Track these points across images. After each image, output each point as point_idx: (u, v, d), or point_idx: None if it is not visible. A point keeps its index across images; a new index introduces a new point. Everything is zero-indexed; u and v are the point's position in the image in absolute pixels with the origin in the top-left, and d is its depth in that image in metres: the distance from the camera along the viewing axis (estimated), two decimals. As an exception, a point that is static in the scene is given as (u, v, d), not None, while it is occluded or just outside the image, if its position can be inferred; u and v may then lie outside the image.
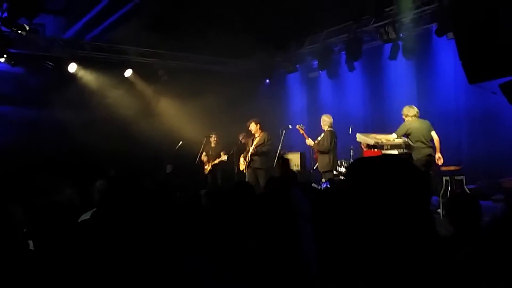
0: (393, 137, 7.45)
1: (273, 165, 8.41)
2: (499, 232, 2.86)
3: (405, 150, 7.40)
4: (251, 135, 9.09)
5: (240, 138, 9.38)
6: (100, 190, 5.03)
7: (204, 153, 10.01)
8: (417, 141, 7.23)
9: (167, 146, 10.34)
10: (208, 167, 10.01)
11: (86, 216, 3.76)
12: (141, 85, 10.89)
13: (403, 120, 7.52)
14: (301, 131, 8.68)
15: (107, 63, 10.35)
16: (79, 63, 10.04)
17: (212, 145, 10.12)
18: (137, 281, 2.24)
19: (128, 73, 10.69)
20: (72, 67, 9.95)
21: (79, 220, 3.73)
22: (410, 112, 7.44)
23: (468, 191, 7.09)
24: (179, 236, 3.12)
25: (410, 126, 7.33)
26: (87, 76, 10.15)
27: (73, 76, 10.00)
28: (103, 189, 5.07)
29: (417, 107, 7.56)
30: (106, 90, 10.13)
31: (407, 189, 1.11)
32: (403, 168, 1.15)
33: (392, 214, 1.09)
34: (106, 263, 2.37)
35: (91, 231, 2.81)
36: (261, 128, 8.93)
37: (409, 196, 1.11)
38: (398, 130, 7.45)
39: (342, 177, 7.74)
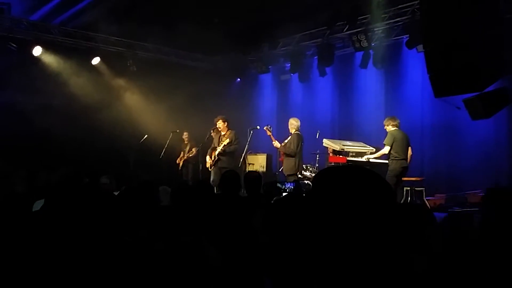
0: (386, 150, 7.37)
1: (239, 165, 8.35)
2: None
3: (371, 158, 7.48)
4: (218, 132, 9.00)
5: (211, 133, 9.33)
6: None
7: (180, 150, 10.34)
8: (397, 151, 7.29)
9: (131, 139, 10.12)
10: (180, 163, 10.32)
11: (39, 204, 3.62)
12: (108, 74, 10.62)
13: (384, 129, 7.56)
14: (268, 133, 8.64)
15: (74, 49, 10.05)
16: (44, 46, 9.69)
17: (185, 141, 10.37)
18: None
19: (96, 61, 10.40)
20: (37, 51, 9.60)
21: (33, 209, 3.59)
22: (391, 122, 7.49)
23: (426, 202, 7.24)
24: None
25: (395, 136, 7.35)
26: (52, 61, 9.82)
27: (37, 59, 9.65)
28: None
29: (384, 116, 7.67)
30: (70, 76, 9.83)
31: (371, 198, 1.12)
32: (369, 178, 1.16)
33: (354, 223, 1.10)
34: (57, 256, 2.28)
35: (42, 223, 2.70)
36: (228, 126, 8.82)
37: (373, 205, 1.12)
38: (387, 140, 7.39)
39: (306, 181, 7.77)
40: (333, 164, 7.91)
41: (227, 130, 8.76)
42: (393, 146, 7.29)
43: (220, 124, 8.79)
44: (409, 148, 7.47)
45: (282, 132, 8.89)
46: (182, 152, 10.46)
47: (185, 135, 10.38)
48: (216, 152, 8.66)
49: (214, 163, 8.70)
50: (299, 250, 1.25)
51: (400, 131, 7.46)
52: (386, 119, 7.63)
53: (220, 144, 8.65)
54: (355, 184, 1.14)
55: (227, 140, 8.55)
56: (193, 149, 10.09)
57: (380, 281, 1.10)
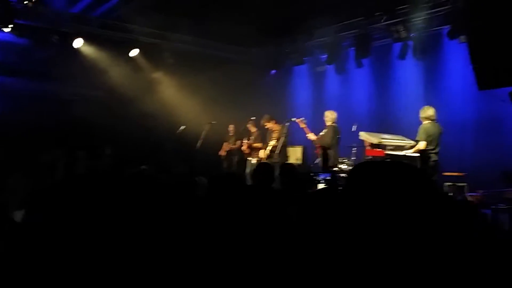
0: (422, 146, 7.11)
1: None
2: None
3: (408, 152, 7.30)
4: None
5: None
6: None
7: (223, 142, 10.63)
8: (432, 146, 7.09)
9: (168, 130, 10.27)
10: (224, 152, 10.58)
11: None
12: (145, 66, 10.78)
13: (420, 121, 7.34)
14: (302, 125, 8.66)
15: (113, 40, 10.23)
16: (85, 38, 9.92)
17: (231, 134, 10.56)
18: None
19: (134, 52, 10.57)
20: (78, 43, 9.84)
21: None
22: (423, 114, 7.23)
23: (469, 198, 7.03)
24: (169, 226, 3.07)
25: (431, 131, 7.08)
26: (92, 53, 10.04)
27: (78, 51, 9.89)
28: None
29: (432, 108, 7.39)
30: (109, 67, 10.03)
31: (411, 192, 1.09)
32: (408, 172, 1.13)
33: (394, 217, 1.06)
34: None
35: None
36: (276, 122, 9.24)
37: (413, 198, 1.08)
38: (420, 135, 7.10)
39: (342, 174, 7.69)
40: (370, 157, 7.78)
41: (277, 126, 9.16)
42: (429, 141, 7.07)
43: (269, 125, 9.26)
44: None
45: (317, 124, 8.82)
46: (226, 143, 10.59)
47: (231, 128, 10.56)
48: (277, 149, 8.90)
49: (267, 157, 8.99)
50: (333, 246, 1.21)
51: (435, 124, 7.15)
52: (421, 110, 7.33)
53: (271, 140, 9.02)
54: (393, 178, 1.11)
55: (279, 134, 8.92)
56: (237, 142, 10.29)
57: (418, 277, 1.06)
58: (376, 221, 1.08)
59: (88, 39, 9.97)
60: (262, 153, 9.24)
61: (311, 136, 8.50)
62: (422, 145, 7.08)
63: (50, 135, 8.66)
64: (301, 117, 8.82)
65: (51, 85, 9.38)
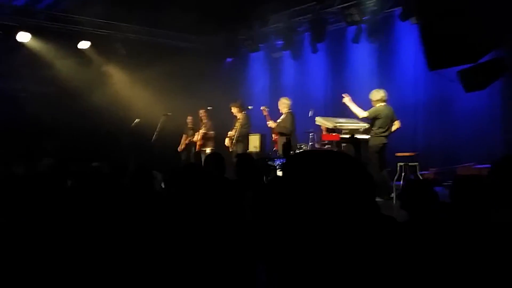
0: (363, 114, 7.33)
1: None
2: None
3: (361, 136, 7.41)
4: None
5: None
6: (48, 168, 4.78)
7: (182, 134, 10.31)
8: (380, 127, 7.22)
9: (122, 123, 10.01)
10: (182, 146, 10.26)
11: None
12: (96, 58, 10.43)
13: (371, 104, 7.46)
14: (265, 113, 8.75)
15: (61, 33, 9.84)
16: (30, 32, 9.49)
17: (189, 125, 10.21)
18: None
19: (83, 45, 10.19)
20: (22, 36, 9.40)
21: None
22: (377, 96, 7.36)
23: (420, 177, 7.20)
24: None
25: (380, 112, 7.24)
26: (38, 46, 9.63)
27: (22, 45, 9.46)
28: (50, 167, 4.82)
29: (382, 90, 7.52)
30: (58, 61, 9.67)
31: (345, 182, 1.08)
32: (342, 162, 1.12)
33: (328, 207, 1.06)
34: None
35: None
36: (240, 109, 9.17)
37: (347, 189, 1.08)
38: (371, 112, 7.30)
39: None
40: (326, 142, 7.84)
41: (240, 113, 9.13)
42: (376, 122, 7.23)
43: (234, 110, 9.20)
44: (397, 121, 7.38)
45: (275, 111, 8.80)
46: (184, 136, 10.28)
47: (189, 119, 10.22)
48: (234, 138, 8.97)
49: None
50: (281, 233, 1.20)
51: (387, 107, 7.33)
52: (371, 93, 7.46)
53: (234, 129, 9.02)
54: (326, 168, 1.09)
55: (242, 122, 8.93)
56: (196, 134, 10.00)
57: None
58: (308, 209, 1.08)
59: (34, 32, 9.56)
60: (227, 141, 9.21)
61: (271, 123, 8.50)
62: (363, 114, 7.32)
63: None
64: (265, 105, 8.90)
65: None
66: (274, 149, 8.68)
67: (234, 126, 9.12)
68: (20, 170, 5.29)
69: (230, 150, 8.98)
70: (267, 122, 8.61)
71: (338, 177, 1.09)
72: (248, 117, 9.16)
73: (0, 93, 9.06)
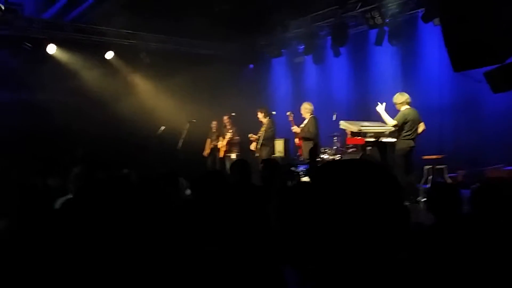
0: (392, 123, 7.22)
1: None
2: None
3: (387, 139, 7.35)
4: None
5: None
6: (76, 177, 4.89)
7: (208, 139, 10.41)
8: (408, 130, 7.15)
9: (148, 131, 10.17)
10: (207, 150, 10.35)
11: (61, 201, 3.65)
12: (122, 67, 10.65)
13: (395, 108, 7.40)
14: (290, 118, 8.79)
15: (87, 44, 10.08)
16: (58, 44, 9.76)
17: (213, 130, 10.34)
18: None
19: (109, 55, 10.44)
20: (51, 49, 9.68)
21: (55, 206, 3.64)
22: (401, 99, 7.31)
23: (448, 180, 7.10)
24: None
25: (407, 115, 7.17)
26: (66, 58, 9.89)
27: (52, 57, 9.73)
28: (79, 176, 4.93)
29: (405, 93, 7.47)
30: (85, 72, 9.90)
31: (371, 191, 1.08)
32: (368, 172, 1.12)
33: (356, 215, 1.06)
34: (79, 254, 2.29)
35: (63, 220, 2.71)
36: (265, 115, 9.25)
37: (374, 198, 1.08)
38: (398, 118, 7.21)
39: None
40: (351, 146, 7.82)
41: (265, 119, 9.20)
42: (405, 126, 7.14)
43: (259, 116, 9.25)
44: (422, 123, 7.30)
45: (298, 116, 8.82)
46: (209, 140, 10.38)
47: (213, 124, 10.34)
48: (259, 142, 9.06)
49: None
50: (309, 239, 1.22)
51: (412, 110, 7.26)
52: (394, 97, 7.40)
53: (259, 133, 9.10)
54: (354, 178, 1.10)
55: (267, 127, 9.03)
56: (220, 138, 10.12)
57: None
58: (337, 217, 1.10)
59: (61, 44, 9.82)
60: (253, 146, 9.29)
61: (296, 128, 8.52)
62: (392, 123, 7.19)
63: (26, 144, 8.53)
64: (289, 111, 8.97)
65: (26, 93, 9.22)
66: (298, 154, 8.69)
67: (260, 130, 9.18)
68: (55, 182, 5.42)
69: (256, 155, 9.04)
70: (292, 127, 8.63)
71: (367, 186, 1.09)
72: (273, 122, 9.21)
73: (30, 104, 9.31)
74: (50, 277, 2.13)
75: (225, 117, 9.93)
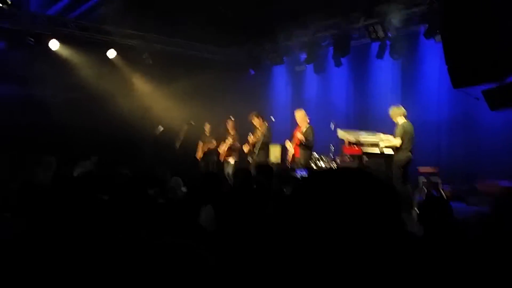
0: (398, 143, 7.32)
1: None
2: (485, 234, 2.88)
3: (385, 150, 7.42)
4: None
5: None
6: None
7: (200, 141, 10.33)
8: (406, 144, 7.28)
9: (147, 131, 10.20)
10: (200, 154, 10.25)
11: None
12: (123, 67, 10.69)
13: (393, 121, 7.50)
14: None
15: (90, 42, 10.11)
16: (61, 40, 9.79)
17: (207, 134, 10.28)
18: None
19: (111, 54, 10.47)
20: (54, 44, 9.71)
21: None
22: (399, 112, 7.44)
23: (443, 192, 7.17)
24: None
25: (406, 128, 7.33)
26: (68, 55, 9.92)
27: (54, 53, 9.75)
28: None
29: (401, 106, 7.60)
30: (87, 69, 9.92)
31: (365, 201, 1.06)
32: (361, 181, 1.10)
33: (348, 228, 1.04)
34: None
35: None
36: (263, 120, 9.26)
37: (368, 209, 1.05)
38: (399, 133, 7.34)
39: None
40: (348, 155, 7.87)
41: (262, 124, 9.19)
42: (404, 138, 7.26)
43: (255, 121, 9.23)
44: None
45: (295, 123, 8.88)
46: (201, 143, 10.31)
47: (207, 127, 10.31)
48: (257, 147, 9.05)
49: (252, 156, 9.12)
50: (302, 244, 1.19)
51: (409, 123, 7.43)
52: (391, 110, 7.53)
53: (254, 138, 9.12)
54: (347, 187, 1.08)
55: (264, 132, 9.01)
56: (214, 141, 10.07)
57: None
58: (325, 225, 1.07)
59: (64, 41, 9.85)
60: (245, 148, 9.33)
61: (299, 135, 8.49)
62: (398, 142, 7.24)
63: (26, 138, 8.53)
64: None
65: (28, 88, 9.24)
66: (288, 160, 8.67)
67: (255, 135, 9.21)
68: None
69: (249, 159, 9.09)
70: (296, 133, 8.56)
71: (359, 195, 1.07)
72: (270, 128, 9.21)
73: (29, 99, 9.33)
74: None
75: (229, 121, 9.90)
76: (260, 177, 5.02)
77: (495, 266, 2.25)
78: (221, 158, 9.89)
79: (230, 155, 9.77)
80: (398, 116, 7.41)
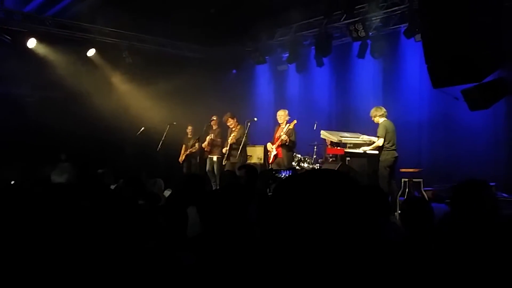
0: (381, 142, 7.32)
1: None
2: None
3: (367, 149, 7.44)
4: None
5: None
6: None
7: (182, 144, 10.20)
8: (390, 141, 7.29)
9: (127, 131, 10.05)
10: (182, 157, 10.11)
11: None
12: (103, 66, 10.51)
13: (373, 121, 7.53)
14: (291, 126, 8.42)
15: (68, 40, 9.92)
16: (38, 38, 9.57)
17: (189, 135, 10.16)
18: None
19: (91, 52, 10.29)
20: (31, 43, 9.49)
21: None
22: (380, 112, 7.47)
23: (424, 193, 7.22)
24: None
25: (387, 126, 7.34)
26: (46, 53, 9.70)
27: (31, 51, 9.53)
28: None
29: (383, 107, 7.63)
30: (65, 68, 9.71)
31: (340, 204, 1.08)
32: (337, 183, 1.11)
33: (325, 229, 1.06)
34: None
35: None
36: (238, 121, 9.18)
37: (343, 211, 1.08)
38: (380, 132, 7.35)
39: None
40: (330, 155, 7.88)
41: (237, 125, 9.12)
42: (386, 137, 7.28)
43: (229, 122, 9.16)
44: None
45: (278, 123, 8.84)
46: (184, 146, 10.19)
47: (189, 129, 10.16)
48: (227, 147, 9.03)
49: (227, 157, 9.04)
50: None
51: (390, 121, 7.46)
52: (373, 110, 7.57)
53: (229, 138, 9.05)
54: (321, 190, 1.10)
55: (237, 134, 8.93)
56: (196, 144, 9.90)
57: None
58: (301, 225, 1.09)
59: (42, 39, 9.63)
60: (224, 150, 9.24)
61: (283, 136, 8.42)
62: (380, 142, 7.28)
63: (2, 138, 8.34)
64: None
65: (3, 87, 9.02)
66: (269, 162, 8.62)
67: (231, 136, 9.11)
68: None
69: (224, 162, 9.05)
70: (281, 134, 8.46)
71: (336, 199, 1.09)
72: (244, 129, 9.04)
73: (5, 98, 9.12)
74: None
75: (214, 117, 9.71)
76: (245, 178, 4.96)
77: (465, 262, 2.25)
78: (205, 155, 9.76)
79: (212, 152, 9.61)
80: (379, 116, 7.44)
